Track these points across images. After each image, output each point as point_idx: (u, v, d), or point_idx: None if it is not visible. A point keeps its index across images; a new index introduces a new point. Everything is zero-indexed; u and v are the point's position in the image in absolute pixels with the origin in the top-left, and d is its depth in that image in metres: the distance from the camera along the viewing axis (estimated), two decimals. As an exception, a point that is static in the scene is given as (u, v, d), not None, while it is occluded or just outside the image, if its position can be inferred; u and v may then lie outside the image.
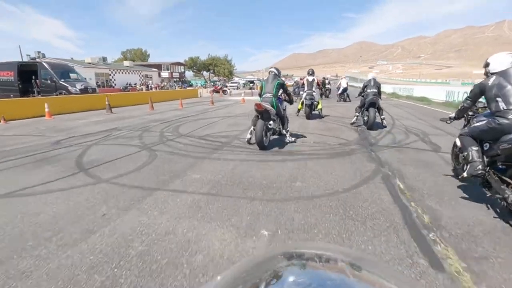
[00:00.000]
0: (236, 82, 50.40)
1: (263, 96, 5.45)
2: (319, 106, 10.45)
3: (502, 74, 2.76)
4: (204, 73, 78.53)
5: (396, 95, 22.95)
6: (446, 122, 3.71)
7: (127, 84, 42.60)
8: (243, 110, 12.55)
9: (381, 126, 7.86)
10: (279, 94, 5.57)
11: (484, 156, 2.87)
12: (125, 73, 46.29)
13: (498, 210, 2.77)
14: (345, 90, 16.85)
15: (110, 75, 43.25)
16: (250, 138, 5.66)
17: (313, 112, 10.26)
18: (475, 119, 3.24)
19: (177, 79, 60.17)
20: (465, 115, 3.56)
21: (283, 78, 6.52)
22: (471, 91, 3.18)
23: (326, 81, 21.34)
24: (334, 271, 0.54)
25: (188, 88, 32.47)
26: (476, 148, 2.89)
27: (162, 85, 46.58)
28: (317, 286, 0.46)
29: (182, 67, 64.82)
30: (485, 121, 2.88)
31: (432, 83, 62.82)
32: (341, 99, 17.16)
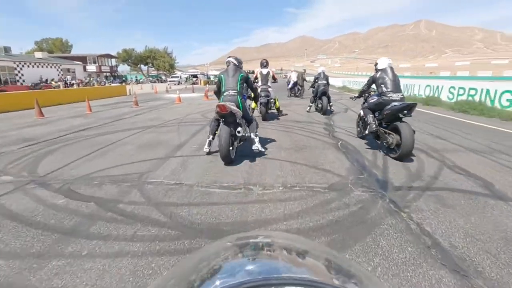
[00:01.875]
0: (177, 77, 45.68)
1: (225, 94, 4.25)
2: (277, 104, 8.56)
3: (383, 70, 4.72)
4: (142, 67, 71.51)
5: (348, 89, 21.83)
6: (352, 99, 6.14)
7: (40, 80, 34.96)
8: (175, 115, 9.36)
9: (330, 111, 9.03)
10: (243, 90, 4.52)
11: (376, 120, 4.77)
12: (38, 66, 38.12)
13: (384, 150, 4.62)
14: (295, 84, 15.69)
15: (15, 69, 34.99)
16: (209, 151, 4.52)
17: (269, 111, 8.43)
18: (369, 98, 5.24)
19: (108, 73, 52.65)
20: (363, 95, 5.63)
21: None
22: (367, 80, 5.11)
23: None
24: (279, 258, 0.55)
25: (114, 85, 27.18)
26: (371, 115, 4.81)
27: (87, 80, 39.57)
28: (264, 274, 0.47)
29: (113, 60, 57.03)
30: (376, 99, 4.86)
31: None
32: (292, 94, 15.94)
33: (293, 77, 15.88)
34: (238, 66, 4.49)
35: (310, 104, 9.59)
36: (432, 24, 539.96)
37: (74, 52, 65.15)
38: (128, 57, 68.33)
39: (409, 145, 4.03)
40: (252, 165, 4.10)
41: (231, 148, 4.02)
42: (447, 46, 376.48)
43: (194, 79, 45.54)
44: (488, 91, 8.75)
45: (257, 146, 4.39)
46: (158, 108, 11.66)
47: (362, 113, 5.17)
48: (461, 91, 10.04)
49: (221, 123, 4.10)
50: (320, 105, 9.08)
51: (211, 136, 4.46)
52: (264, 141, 5.29)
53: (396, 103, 4.39)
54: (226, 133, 3.92)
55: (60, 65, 42.22)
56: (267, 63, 8.54)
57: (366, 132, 4.82)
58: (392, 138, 4.27)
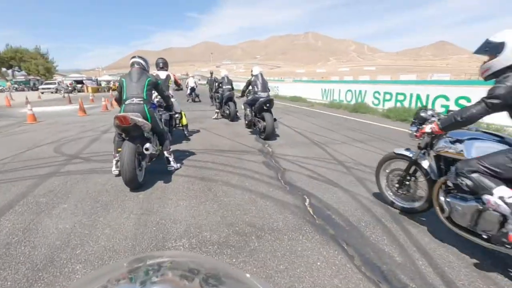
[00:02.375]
0: (53, 83, 36.32)
1: (127, 102, 3.38)
2: (183, 121, 6.07)
3: (256, 76, 6.23)
4: (8, 71, 56.21)
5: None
6: (237, 98, 8.16)
7: None
8: (2, 150, 5.35)
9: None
10: (152, 97, 3.86)
11: (252, 112, 6.34)
12: None
13: (257, 135, 6.16)
14: (192, 89, 15.80)
15: None
16: (119, 172, 3.33)
17: (176, 127, 5.95)
18: (249, 96, 6.52)
19: None
20: (245, 94, 6.87)
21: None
22: (246, 83, 6.66)
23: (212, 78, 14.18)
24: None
25: None
26: (249, 108, 6.47)
27: None
28: None
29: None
30: (251, 96, 6.32)
31: (279, 81, 69.36)
32: (190, 99, 16.02)
33: (191, 83, 16.00)
34: (146, 68, 3.71)
35: (217, 110, 9.30)
36: (318, 35, 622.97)
37: None
38: (-21, 58, 52.45)
39: (270, 128, 5.75)
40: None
41: (138, 170, 3.23)
42: (330, 55, 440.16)
43: (79, 85, 37.28)
44: (419, 97, 8.11)
45: (172, 165, 3.90)
46: (-16, 135, 7.06)
47: (243, 107, 6.90)
48: (388, 96, 9.37)
49: (125, 140, 3.20)
50: (227, 111, 8.81)
51: (117, 155, 3.50)
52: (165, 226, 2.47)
53: (262, 99, 5.97)
54: (130, 152, 3.09)
55: None
56: (165, 64, 5.71)
57: (246, 122, 6.84)
58: (260, 124, 6.01)
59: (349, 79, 31.15)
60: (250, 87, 6.42)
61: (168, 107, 4.47)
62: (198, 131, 7.09)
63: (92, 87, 34.32)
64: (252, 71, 6.45)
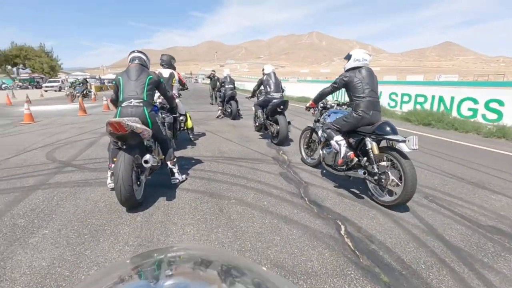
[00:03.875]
0: (57, 81, 36.10)
1: (124, 104, 2.87)
2: (188, 123, 5.46)
3: (268, 75, 5.92)
4: (11, 68, 56.20)
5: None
6: (248, 99, 8.30)
7: None
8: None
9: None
10: (154, 98, 3.29)
11: (263, 114, 5.95)
12: None
13: (269, 139, 5.76)
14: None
15: None
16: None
17: (180, 130, 5.34)
18: (260, 97, 6.43)
19: None
20: (255, 95, 6.87)
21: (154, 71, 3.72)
22: (257, 82, 6.32)
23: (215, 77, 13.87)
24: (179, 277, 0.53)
25: None
26: (261, 110, 6.01)
27: None
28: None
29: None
30: (263, 97, 5.97)
31: (284, 81, 68.88)
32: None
33: (200, 80, 13.67)
34: (146, 64, 3.14)
35: (220, 107, 9.39)
36: (322, 35, 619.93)
37: None
38: (-16, 55, 52.49)
39: (284, 132, 5.29)
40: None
41: (136, 186, 2.71)
42: (334, 55, 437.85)
43: (82, 85, 36.90)
44: (441, 99, 7.49)
45: (176, 178, 3.33)
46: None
47: (254, 109, 6.30)
48: (406, 98, 8.76)
49: (121, 150, 2.67)
50: (229, 110, 8.94)
51: (112, 165, 2.85)
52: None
53: (276, 101, 5.58)
54: (126, 165, 2.55)
55: None
56: (169, 61, 5.12)
57: (257, 124, 6.26)
58: (273, 128, 5.61)
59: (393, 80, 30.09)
60: (262, 87, 6.16)
61: (172, 109, 3.97)
62: (203, 134, 6.55)
63: (95, 86, 33.91)
64: (263, 69, 6.17)
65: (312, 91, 15.19)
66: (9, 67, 55.98)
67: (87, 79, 39.68)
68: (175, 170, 3.33)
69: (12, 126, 8.02)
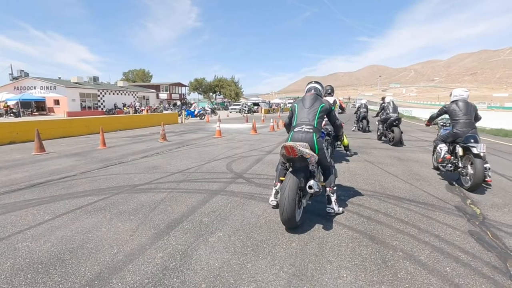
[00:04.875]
0: (238, 105, 45.01)
1: (296, 129, 3.11)
2: (345, 141, 6.17)
3: (388, 103, 9.40)
4: (212, 94, 75.17)
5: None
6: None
7: (114, 106, 37.88)
8: (193, 161, 6.55)
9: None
10: (322, 125, 3.39)
11: (384, 127, 9.26)
12: (118, 94, 41.76)
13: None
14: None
15: (98, 96, 38.71)
16: (277, 203, 3.18)
17: (336, 148, 6.84)
18: (382, 116, 9.66)
19: (178, 100, 55.52)
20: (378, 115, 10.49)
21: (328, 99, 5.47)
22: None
23: (353, 104, 16.71)
24: None
25: (166, 112, 26.71)
26: (381, 125, 9.28)
27: (155, 107, 41.53)
28: None
29: (184, 88, 60.60)
30: (384, 116, 9.37)
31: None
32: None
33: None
34: (320, 94, 3.39)
35: (381, 131, 9.82)
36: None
37: (153, 81, 71.90)
38: (198, 85, 72.73)
39: (398, 137, 8.49)
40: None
41: (298, 209, 2.86)
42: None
43: (255, 107, 44.22)
44: None
45: (333, 207, 3.18)
46: (185, 144, 9.03)
47: (377, 123, 8.70)
48: None
49: (288, 171, 2.95)
50: (389, 136, 9.16)
51: (278, 184, 3.20)
52: None
53: (392, 118, 8.89)
54: (292, 187, 2.72)
55: (137, 93, 45.78)
56: (332, 90, 6.46)
57: (378, 134, 9.56)
58: (390, 135, 8.71)
59: None
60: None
61: (338, 137, 4.04)
62: (362, 162, 6.08)
63: (264, 109, 39.68)
64: (383, 98, 10.45)
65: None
66: (211, 94, 74.62)
67: (259, 103, 47.05)
68: (333, 199, 3.21)
69: (207, 139, 10.50)
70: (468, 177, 4.26)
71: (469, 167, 4.26)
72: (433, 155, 5.48)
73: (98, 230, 2.83)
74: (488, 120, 13.78)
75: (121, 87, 45.55)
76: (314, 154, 2.88)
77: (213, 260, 2.29)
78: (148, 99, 48.86)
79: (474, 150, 4.07)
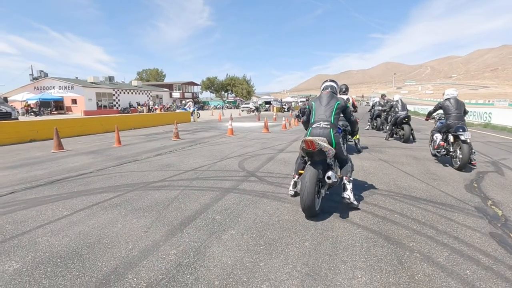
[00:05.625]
0: (249, 103, 45.03)
1: (314, 126, 3.36)
2: (356, 135, 6.84)
3: (397, 101, 9.43)
4: (224, 93, 75.51)
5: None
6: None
7: (129, 105, 38.73)
8: (206, 158, 6.61)
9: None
10: (338, 122, 3.58)
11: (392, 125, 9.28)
12: (132, 93, 42.64)
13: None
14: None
15: (113, 95, 39.64)
16: (295, 193, 3.27)
17: (348, 142, 6.81)
18: (392, 115, 9.56)
19: (190, 99, 56.03)
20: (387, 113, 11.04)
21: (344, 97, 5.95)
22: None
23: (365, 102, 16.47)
24: None
25: (178, 111, 26.99)
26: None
27: (168, 106, 42.13)
28: None
29: (196, 87, 61.11)
30: (394, 115, 9.42)
31: (487, 105, 53.93)
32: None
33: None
34: (336, 92, 3.61)
35: (389, 131, 9.72)
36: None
37: (167, 80, 72.87)
38: (211, 84, 73.22)
39: (408, 134, 8.57)
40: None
41: (317, 199, 3.07)
42: None
43: (267, 105, 44.12)
44: None
45: (348, 194, 3.24)
46: (197, 143, 9.12)
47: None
48: None
49: (308, 164, 3.18)
50: (400, 133, 9.20)
51: (296, 176, 3.38)
52: None
53: (402, 115, 8.96)
54: (312, 178, 2.95)
55: (150, 92, 46.58)
56: (347, 88, 6.68)
57: (389, 132, 9.44)
58: (400, 132, 8.92)
59: None
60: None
61: (353, 132, 4.19)
62: (377, 161, 5.97)
63: (276, 107, 39.54)
64: (393, 97, 9.89)
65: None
66: (223, 92, 74.91)
67: (271, 101, 46.90)
68: (349, 187, 3.29)
69: (219, 137, 10.56)
70: (457, 159, 5.24)
71: (458, 151, 5.24)
72: (430, 143, 6.33)
73: (114, 226, 2.90)
74: (507, 118, 13.25)
75: (136, 86, 46.43)
76: (332, 148, 3.10)
77: (226, 258, 2.30)
78: (161, 98, 49.60)
79: (462, 137, 5.07)
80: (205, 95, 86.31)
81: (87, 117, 17.44)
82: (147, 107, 37.09)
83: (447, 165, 5.65)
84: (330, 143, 3.17)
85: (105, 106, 37.52)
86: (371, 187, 4.23)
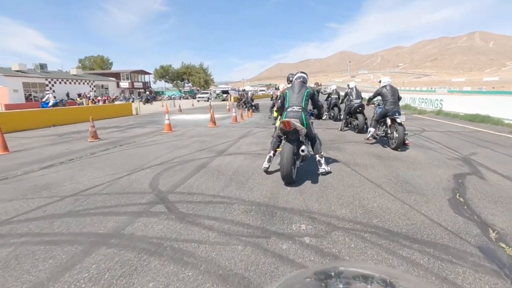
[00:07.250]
0: (207, 93, 42.62)
1: (289, 110, 4.05)
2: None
3: (351, 89, 8.83)
4: (180, 82, 71.43)
5: (418, 110, 15.75)
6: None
7: (67, 95, 33.85)
8: (112, 171, 4.89)
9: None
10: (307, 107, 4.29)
11: (347, 115, 8.91)
12: (71, 82, 37.58)
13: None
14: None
15: (47, 85, 34.41)
16: (268, 167, 4.21)
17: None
18: (346, 103, 9.06)
19: (141, 90, 51.42)
20: (343, 102, 10.13)
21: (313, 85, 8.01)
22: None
23: (323, 89, 15.43)
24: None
25: (118, 103, 24.00)
26: (346, 115, 8.75)
27: (114, 97, 37.88)
28: None
29: (148, 76, 56.40)
30: (348, 103, 8.93)
31: (429, 92, 57.85)
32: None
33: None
34: (305, 82, 4.35)
35: (343, 120, 9.24)
36: (488, 35, 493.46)
37: (114, 68, 66.49)
38: (165, 73, 68.74)
39: (361, 123, 8.28)
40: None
41: (293, 169, 3.81)
42: (507, 59, 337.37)
43: (225, 95, 42.14)
44: None
45: (324, 168, 4.11)
46: (119, 144, 7.18)
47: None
48: None
49: (283, 140, 3.97)
50: (354, 123, 8.84)
51: (271, 152, 4.24)
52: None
53: (356, 104, 8.54)
54: (289, 151, 3.66)
55: (93, 82, 41.63)
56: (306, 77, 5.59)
57: (344, 121, 9.13)
58: (355, 122, 8.61)
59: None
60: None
61: (319, 115, 4.58)
62: (335, 163, 4.75)
63: (234, 97, 37.79)
64: (348, 85, 9.18)
65: (491, 107, 10.58)
66: (179, 81, 70.89)
67: (228, 91, 44.93)
68: (322, 161, 4.12)
69: (152, 135, 8.69)
70: (393, 140, 5.75)
71: (394, 132, 5.78)
72: (374, 128, 6.57)
73: None
74: (457, 105, 13.24)
75: (75, 75, 41.14)
76: (304, 128, 3.77)
77: None
78: (107, 88, 44.83)
79: (398, 120, 5.69)
80: (161, 85, 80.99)
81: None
82: (88, 99, 32.80)
83: (386, 146, 6.19)
84: (302, 124, 3.81)
85: (33, 99, 32.27)
86: (329, 213, 2.91)
